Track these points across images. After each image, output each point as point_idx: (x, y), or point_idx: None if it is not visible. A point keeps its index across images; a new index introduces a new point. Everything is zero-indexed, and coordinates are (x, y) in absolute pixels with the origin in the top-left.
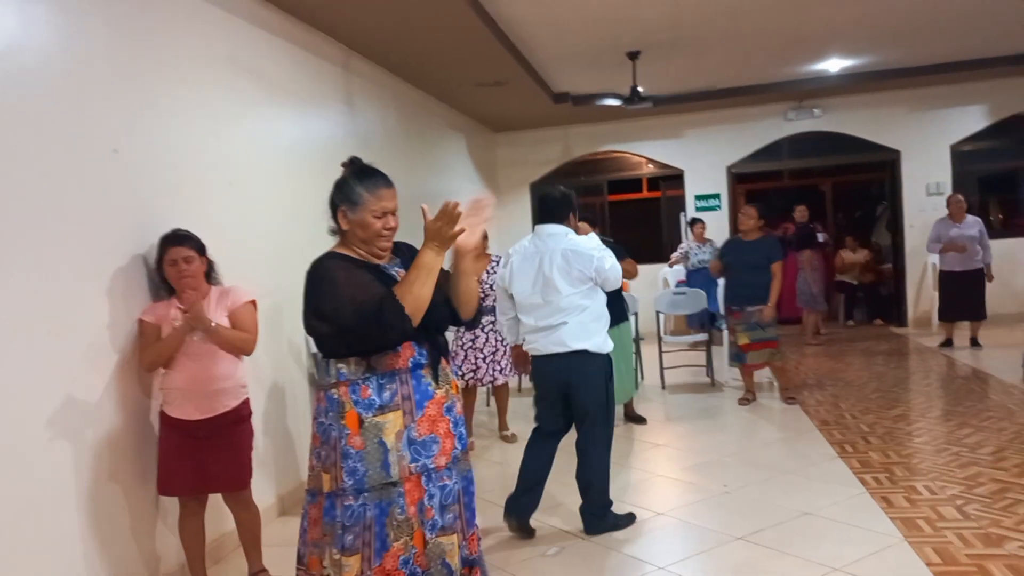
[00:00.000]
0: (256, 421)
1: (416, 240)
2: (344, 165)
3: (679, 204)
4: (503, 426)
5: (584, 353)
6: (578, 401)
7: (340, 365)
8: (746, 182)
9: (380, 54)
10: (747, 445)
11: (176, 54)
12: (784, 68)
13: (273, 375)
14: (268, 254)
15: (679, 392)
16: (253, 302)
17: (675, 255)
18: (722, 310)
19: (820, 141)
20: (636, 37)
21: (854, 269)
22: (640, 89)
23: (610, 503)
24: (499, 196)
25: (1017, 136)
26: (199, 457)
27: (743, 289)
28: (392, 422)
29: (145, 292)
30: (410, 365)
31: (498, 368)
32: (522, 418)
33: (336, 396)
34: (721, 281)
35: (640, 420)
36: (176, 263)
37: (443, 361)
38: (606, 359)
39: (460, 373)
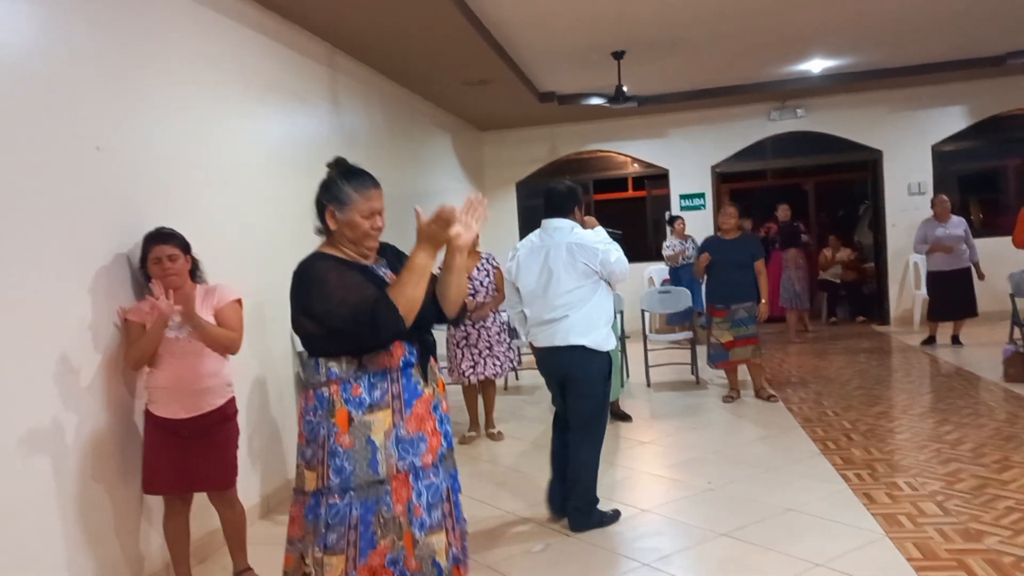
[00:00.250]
0: (241, 420)
1: (402, 239)
2: (329, 166)
3: (664, 203)
4: (490, 424)
5: (582, 349)
6: (573, 395)
7: (331, 364)
8: (730, 181)
9: (366, 52)
10: (731, 442)
11: (160, 52)
12: (767, 68)
13: (257, 374)
14: (253, 252)
15: (664, 390)
16: (239, 301)
17: (670, 253)
18: (704, 309)
19: (803, 141)
20: (621, 37)
21: (837, 268)
22: (625, 89)
23: (596, 500)
24: (485, 195)
25: (996, 136)
26: (185, 456)
27: (728, 287)
28: (381, 420)
29: (129, 291)
30: (401, 364)
31: (497, 363)
32: (508, 415)
33: (326, 394)
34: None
35: (626, 418)
36: (160, 261)
37: (431, 360)
38: (605, 357)
39: (461, 370)
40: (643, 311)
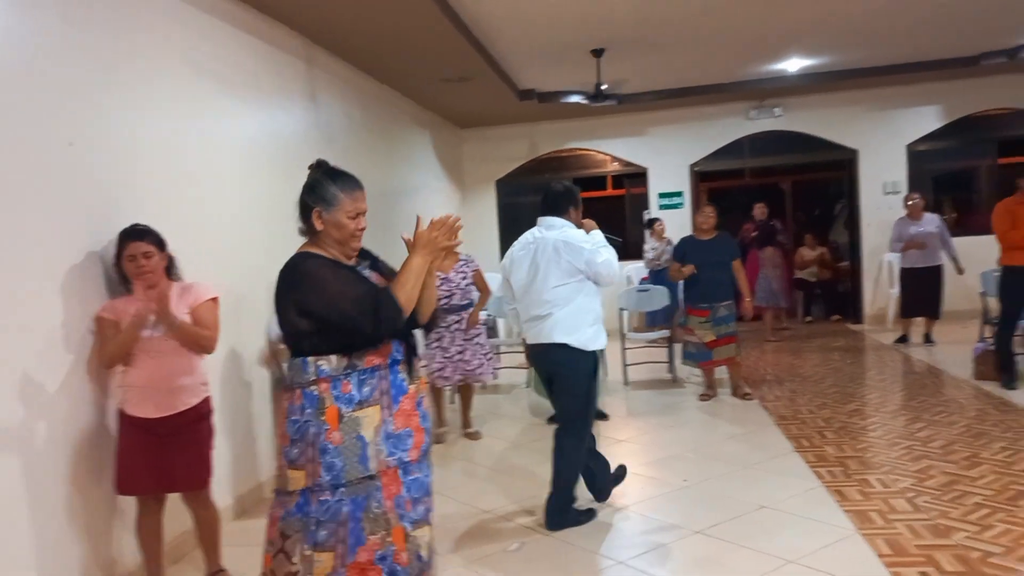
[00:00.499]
0: (215, 420)
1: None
2: (312, 168)
3: (643, 202)
4: (467, 423)
5: (565, 347)
6: (558, 392)
7: (321, 362)
8: (708, 180)
9: (344, 48)
10: (707, 440)
11: (134, 45)
12: (745, 67)
13: (232, 373)
14: (229, 250)
15: (641, 388)
16: (215, 299)
17: (651, 256)
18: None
19: (780, 140)
20: (600, 35)
21: (812, 266)
22: (604, 87)
23: (574, 499)
24: (465, 192)
25: (969, 136)
26: (159, 456)
27: (709, 287)
28: (370, 417)
29: (102, 289)
30: (389, 361)
31: (467, 368)
32: (486, 415)
33: (316, 392)
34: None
35: (603, 416)
36: (135, 258)
37: (415, 357)
38: (590, 356)
39: (430, 370)
40: (621, 309)
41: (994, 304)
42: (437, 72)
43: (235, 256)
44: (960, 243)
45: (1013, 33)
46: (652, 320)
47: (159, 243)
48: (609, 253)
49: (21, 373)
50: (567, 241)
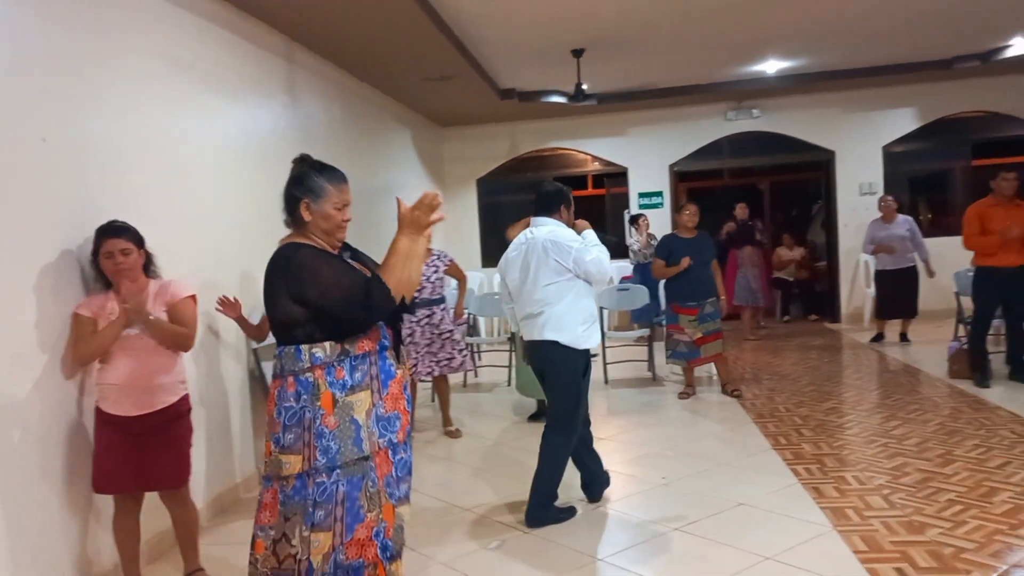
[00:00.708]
0: (193, 418)
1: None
2: (296, 161)
3: (623, 201)
4: (447, 421)
5: (555, 344)
6: (548, 388)
7: (315, 349)
8: (688, 180)
9: (324, 46)
10: (686, 438)
11: (111, 41)
12: (724, 68)
13: (209, 371)
14: (208, 247)
15: (621, 387)
16: (193, 297)
17: (637, 248)
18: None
19: (759, 141)
20: (581, 35)
21: (790, 266)
22: (585, 87)
23: (555, 496)
24: (446, 191)
25: (944, 138)
26: (137, 454)
27: (695, 284)
28: (362, 401)
29: (78, 287)
30: (378, 347)
31: (434, 360)
32: (467, 413)
33: (311, 379)
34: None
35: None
36: (113, 255)
37: (401, 344)
38: (580, 354)
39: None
40: (601, 308)
41: (968, 304)
42: (418, 71)
43: (213, 254)
44: (934, 243)
45: (986, 37)
46: (637, 317)
47: (137, 240)
48: (600, 252)
49: None
50: (555, 240)
